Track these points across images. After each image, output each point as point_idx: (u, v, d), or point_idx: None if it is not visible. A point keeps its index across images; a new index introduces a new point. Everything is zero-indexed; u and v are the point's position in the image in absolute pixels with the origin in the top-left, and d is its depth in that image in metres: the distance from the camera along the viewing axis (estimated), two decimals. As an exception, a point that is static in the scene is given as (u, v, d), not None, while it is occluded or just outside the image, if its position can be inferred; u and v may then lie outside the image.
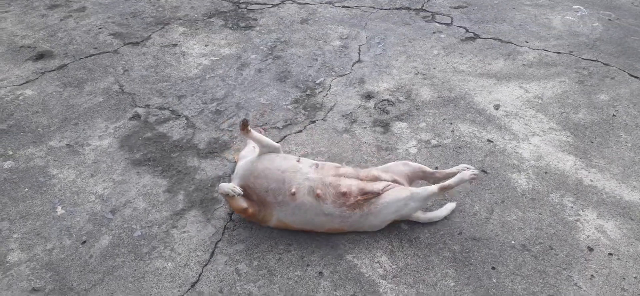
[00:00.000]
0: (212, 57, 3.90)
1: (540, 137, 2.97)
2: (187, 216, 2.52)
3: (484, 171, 2.73)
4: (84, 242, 2.40)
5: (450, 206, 2.47)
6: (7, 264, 2.30)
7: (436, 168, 2.76)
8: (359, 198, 2.23)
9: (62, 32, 4.31)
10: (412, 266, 2.23)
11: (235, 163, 2.72)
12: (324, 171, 2.31)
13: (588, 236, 2.35)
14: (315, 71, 3.69)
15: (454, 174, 2.37)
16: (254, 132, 2.34)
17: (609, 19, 4.32)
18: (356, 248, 2.31)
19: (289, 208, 2.26)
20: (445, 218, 2.45)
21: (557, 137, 2.97)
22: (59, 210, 2.58)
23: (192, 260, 2.30)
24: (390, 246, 2.32)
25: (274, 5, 4.70)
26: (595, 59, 3.73)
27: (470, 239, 2.35)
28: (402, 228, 2.39)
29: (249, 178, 2.30)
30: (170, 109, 3.32)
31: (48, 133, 3.12)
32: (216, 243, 2.37)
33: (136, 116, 3.25)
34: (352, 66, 3.75)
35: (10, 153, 2.97)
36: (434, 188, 2.25)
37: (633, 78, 3.49)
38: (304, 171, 2.29)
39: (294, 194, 2.22)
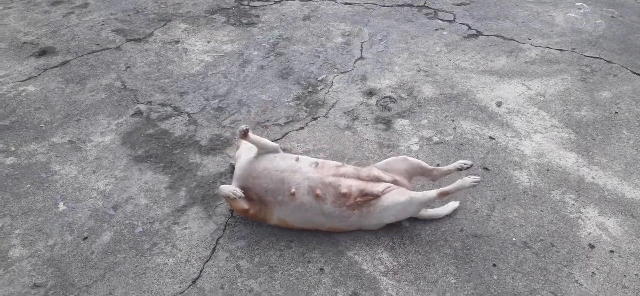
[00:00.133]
0: (215, 54, 3.90)
1: (542, 135, 2.96)
2: (188, 212, 2.52)
3: (486, 169, 2.72)
4: (86, 238, 2.41)
5: (452, 205, 2.46)
6: (9, 260, 2.31)
7: (438, 165, 2.75)
8: (358, 199, 2.23)
9: (65, 28, 4.31)
10: (413, 263, 2.23)
11: (232, 165, 2.73)
12: (324, 170, 2.29)
13: (589, 234, 2.34)
14: (317, 68, 3.69)
15: (451, 171, 2.38)
16: (253, 136, 2.31)
17: (612, 16, 4.30)
18: (357, 245, 2.31)
19: (289, 208, 2.26)
20: (447, 215, 2.45)
21: (559, 134, 2.96)
22: (61, 206, 2.59)
23: (193, 256, 2.30)
24: (391, 243, 2.32)
25: (276, 2, 4.70)
26: (598, 56, 3.72)
27: (471, 236, 2.35)
28: (403, 225, 2.39)
29: (247, 179, 2.30)
30: (173, 105, 3.32)
31: (50, 129, 3.12)
32: (217, 240, 2.37)
33: (138, 113, 3.26)
34: (354, 62, 3.74)
35: (13, 148, 2.98)
36: (433, 193, 2.23)
37: (636, 75, 3.48)
38: (303, 170, 2.27)
39: (293, 194, 2.22)
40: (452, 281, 2.16)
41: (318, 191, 2.21)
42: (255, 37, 4.12)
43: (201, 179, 2.71)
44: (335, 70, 3.66)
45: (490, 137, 2.95)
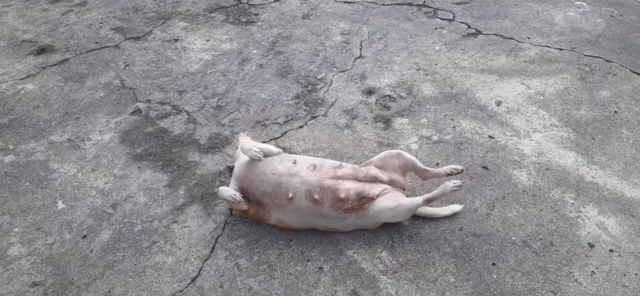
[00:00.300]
0: (214, 53, 3.89)
1: (541, 134, 2.96)
2: (187, 211, 2.52)
3: (485, 168, 2.72)
4: (85, 236, 2.40)
5: (453, 208, 2.45)
6: (8, 258, 2.31)
7: (437, 164, 2.75)
8: (355, 203, 2.23)
9: (64, 26, 4.30)
10: (412, 262, 2.23)
11: (230, 168, 2.72)
12: (322, 172, 2.26)
13: (589, 233, 2.34)
14: (316, 67, 3.68)
15: (441, 175, 2.38)
16: (254, 150, 2.29)
17: (612, 16, 4.30)
18: (356, 244, 2.31)
19: (287, 210, 2.26)
20: (447, 216, 2.45)
21: (559, 133, 2.96)
22: (60, 204, 2.58)
23: (192, 255, 2.30)
24: (390, 242, 2.32)
25: (275, 1, 4.70)
26: (597, 55, 3.72)
27: (470, 235, 2.35)
28: (402, 224, 2.39)
29: (244, 181, 2.29)
30: (172, 104, 3.31)
31: (49, 128, 3.12)
32: (217, 238, 2.37)
33: (137, 111, 3.25)
34: (354, 61, 3.74)
35: (11, 147, 2.97)
36: (419, 200, 2.23)
37: (635, 75, 3.48)
38: (301, 174, 2.24)
39: (291, 198, 2.21)
40: (452, 280, 2.15)
41: (316, 196, 2.20)
42: (255, 36, 4.11)
43: (200, 178, 2.71)
44: (334, 69, 3.65)
45: (490, 137, 2.95)
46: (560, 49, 3.82)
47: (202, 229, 2.42)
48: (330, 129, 3.05)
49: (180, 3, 4.69)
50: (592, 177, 2.65)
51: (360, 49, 3.90)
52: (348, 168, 2.32)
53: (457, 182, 2.20)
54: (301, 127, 3.08)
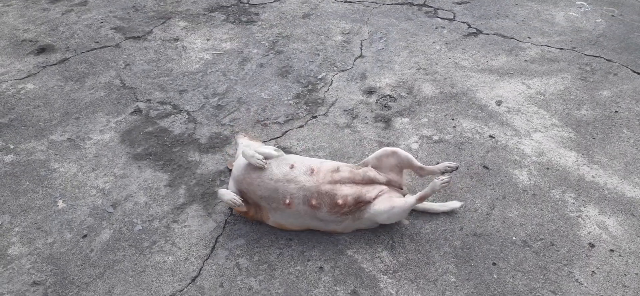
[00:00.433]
0: (214, 52, 3.89)
1: (542, 134, 2.96)
2: (188, 210, 2.52)
3: (486, 167, 2.72)
4: (85, 236, 2.40)
5: (452, 204, 2.45)
6: (8, 257, 2.31)
7: (437, 163, 2.75)
8: (353, 207, 2.23)
9: (64, 26, 4.30)
10: (412, 262, 2.23)
11: (229, 169, 2.72)
12: (319, 177, 2.23)
13: (589, 233, 2.34)
14: (317, 66, 3.68)
15: (436, 173, 2.36)
16: (257, 156, 2.28)
17: (613, 15, 4.30)
18: (357, 243, 2.31)
19: (284, 214, 2.26)
20: (445, 212, 2.44)
21: (559, 133, 2.96)
22: (60, 204, 2.58)
23: (192, 254, 2.30)
24: (391, 242, 2.32)
25: (275, 0, 4.69)
26: (598, 55, 3.72)
27: (471, 235, 2.35)
28: (402, 224, 2.39)
29: (242, 184, 2.28)
30: (172, 103, 3.31)
31: (49, 127, 3.12)
32: (217, 238, 2.37)
33: (137, 111, 3.25)
34: (354, 61, 3.74)
35: (12, 146, 2.97)
36: (411, 200, 2.23)
37: (636, 74, 3.48)
38: (298, 179, 2.21)
39: (288, 204, 2.21)
40: (452, 279, 2.15)
41: (313, 202, 2.19)
42: (255, 36, 4.11)
43: (200, 177, 2.71)
44: (335, 68, 3.65)
45: (490, 136, 2.94)
46: (561, 49, 3.81)
47: (203, 228, 2.42)
48: (331, 129, 3.05)
49: (180, 3, 4.69)
50: (593, 177, 2.65)
51: (361, 48, 3.89)
52: (345, 171, 2.28)
53: (445, 178, 2.21)
54: (301, 126, 3.07)
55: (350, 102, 3.28)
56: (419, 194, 2.25)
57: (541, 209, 2.46)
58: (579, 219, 2.41)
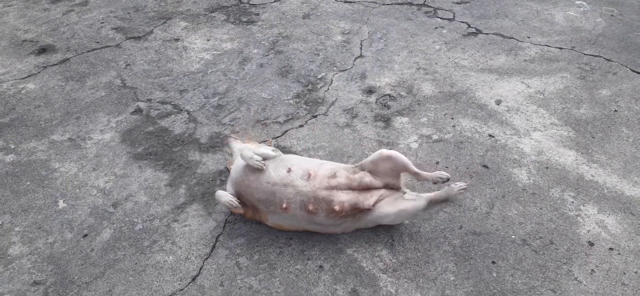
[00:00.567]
0: (214, 52, 3.90)
1: (541, 133, 2.96)
2: (188, 210, 2.53)
3: (485, 166, 2.73)
4: (86, 235, 2.41)
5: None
6: (9, 257, 2.31)
7: (437, 163, 2.76)
8: (349, 213, 2.22)
9: (65, 26, 4.31)
10: (412, 260, 2.24)
11: (228, 169, 2.72)
12: (315, 182, 2.20)
13: (589, 231, 2.35)
14: (317, 66, 3.69)
15: (428, 180, 2.30)
16: (255, 158, 2.26)
17: (612, 15, 4.30)
18: (356, 242, 2.32)
19: (282, 217, 2.26)
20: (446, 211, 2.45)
21: (559, 132, 2.96)
22: (61, 204, 2.59)
23: (193, 254, 2.30)
24: (390, 240, 2.32)
25: (276, 0, 4.70)
26: (597, 54, 3.72)
27: (470, 233, 2.35)
28: (402, 223, 2.40)
29: (240, 186, 2.28)
30: (172, 103, 3.32)
31: (50, 127, 3.13)
32: (217, 237, 2.38)
33: (138, 110, 3.26)
34: (354, 61, 3.74)
35: (13, 146, 2.98)
36: (423, 203, 2.21)
37: (635, 74, 3.48)
38: (294, 184, 2.20)
39: (285, 208, 2.21)
40: (452, 278, 2.16)
41: (310, 207, 2.19)
42: (255, 35, 4.12)
43: (201, 177, 2.72)
44: (334, 68, 3.66)
45: (490, 135, 2.95)
46: (561, 48, 3.82)
47: (203, 228, 2.43)
48: (331, 128, 3.05)
49: (181, 3, 4.70)
50: (592, 176, 2.66)
51: (361, 48, 3.90)
52: (342, 177, 2.24)
53: (463, 185, 2.19)
54: (301, 126, 3.08)
55: (350, 101, 3.29)
56: (431, 196, 2.22)
57: (540, 208, 2.47)
58: (578, 218, 2.42)
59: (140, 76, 3.62)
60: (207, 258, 2.28)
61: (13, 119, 3.21)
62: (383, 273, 2.19)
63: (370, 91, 3.38)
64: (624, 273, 2.16)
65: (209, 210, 2.51)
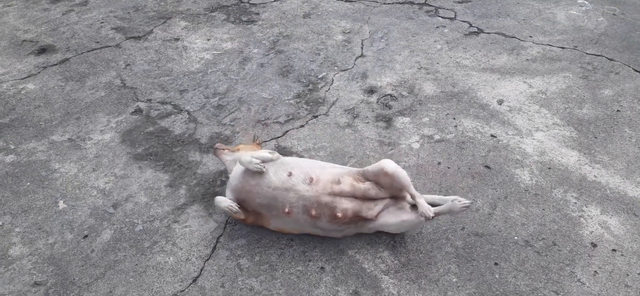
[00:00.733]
0: (214, 52, 3.89)
1: (543, 133, 2.95)
2: (188, 210, 2.52)
3: (487, 167, 2.71)
4: (86, 236, 2.40)
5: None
6: (9, 258, 2.30)
7: (439, 163, 2.75)
8: (351, 220, 2.20)
9: (64, 26, 4.30)
10: (414, 262, 2.23)
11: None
12: (318, 186, 2.17)
13: (591, 232, 2.33)
14: (317, 66, 3.68)
15: (421, 212, 2.14)
16: (255, 162, 2.22)
17: (614, 14, 4.29)
18: (358, 244, 2.30)
19: (285, 221, 2.25)
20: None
21: (561, 132, 2.95)
22: (61, 204, 2.58)
23: (193, 255, 2.29)
24: (392, 242, 2.31)
25: (276, 0, 4.69)
26: (599, 54, 3.71)
27: (472, 235, 2.34)
28: (404, 224, 2.38)
29: (241, 192, 2.25)
30: (172, 103, 3.31)
31: (50, 127, 3.11)
32: (218, 238, 2.37)
33: (138, 111, 3.25)
34: (355, 60, 3.73)
35: (12, 147, 2.97)
36: (427, 216, 2.12)
37: (638, 73, 3.47)
38: (296, 188, 2.17)
39: (288, 213, 2.19)
40: (454, 280, 2.15)
41: (313, 212, 2.16)
42: (256, 35, 4.11)
43: (201, 177, 2.70)
44: (335, 68, 3.65)
45: (492, 136, 2.94)
46: (563, 48, 3.80)
47: (203, 229, 2.41)
48: (332, 129, 3.04)
49: (180, 2, 4.69)
50: (595, 176, 2.64)
51: (362, 48, 3.89)
52: (346, 184, 2.20)
53: (466, 202, 2.15)
54: (302, 126, 3.07)
55: (351, 101, 3.27)
56: (434, 210, 2.15)
57: (543, 209, 2.46)
58: (581, 219, 2.40)
59: (140, 76, 3.61)
60: (207, 259, 2.27)
61: (13, 119, 3.19)
62: (385, 275, 2.17)
63: (371, 91, 3.37)
64: (627, 274, 2.14)
65: (209, 211, 2.50)
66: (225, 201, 2.21)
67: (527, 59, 3.67)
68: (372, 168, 2.24)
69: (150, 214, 2.50)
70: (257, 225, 2.35)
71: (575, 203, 2.49)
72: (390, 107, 3.21)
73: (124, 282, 2.18)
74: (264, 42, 4.01)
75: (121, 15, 4.46)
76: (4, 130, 3.10)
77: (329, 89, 3.41)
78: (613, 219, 2.40)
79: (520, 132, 2.96)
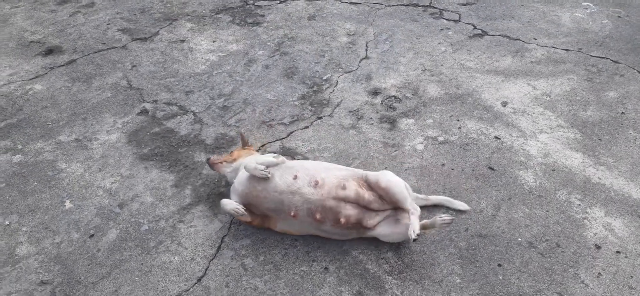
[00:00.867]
0: (220, 53, 3.91)
1: (548, 135, 2.95)
2: (194, 210, 2.53)
3: (491, 168, 2.72)
4: (92, 236, 2.42)
5: (461, 205, 2.46)
6: (16, 257, 2.33)
7: (443, 164, 2.75)
8: (352, 226, 2.22)
9: (71, 27, 4.33)
10: (418, 263, 2.23)
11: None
12: (324, 190, 2.19)
13: (595, 234, 2.33)
14: (322, 67, 3.69)
15: (413, 224, 2.11)
16: (259, 168, 2.24)
17: (619, 16, 4.28)
18: (362, 244, 2.31)
19: (291, 223, 2.27)
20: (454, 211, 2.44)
21: (565, 134, 2.95)
22: (68, 204, 2.60)
23: (198, 255, 2.31)
24: (396, 243, 2.32)
25: (281, 2, 4.71)
26: (604, 56, 3.70)
27: (476, 236, 2.35)
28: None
29: (247, 197, 2.27)
30: (178, 104, 3.33)
31: (57, 128, 3.14)
32: (223, 238, 2.38)
33: (144, 111, 3.27)
34: (359, 62, 3.74)
35: (20, 147, 3.00)
36: (416, 228, 2.09)
37: (643, 76, 3.46)
38: (302, 191, 2.19)
39: (294, 216, 2.21)
40: (457, 281, 2.15)
41: (318, 216, 2.19)
42: (261, 37, 4.13)
43: (206, 178, 2.72)
44: (340, 69, 3.66)
45: (496, 137, 2.94)
46: (567, 50, 3.80)
47: (208, 229, 2.43)
48: (336, 130, 3.05)
49: (186, 4, 4.72)
50: (599, 178, 2.64)
51: (366, 49, 3.90)
52: (351, 190, 2.20)
53: (447, 219, 2.15)
54: (307, 127, 3.08)
55: (356, 103, 3.29)
56: (422, 222, 2.18)
57: (547, 211, 2.46)
58: (585, 220, 2.40)
59: (146, 77, 3.63)
60: (212, 259, 2.28)
61: (20, 119, 3.22)
62: (388, 276, 2.18)
63: (375, 93, 3.38)
64: (631, 276, 2.14)
65: (214, 211, 2.52)
66: (231, 204, 2.24)
67: (532, 61, 3.67)
68: (372, 176, 2.26)
69: (155, 214, 2.52)
70: (264, 228, 2.36)
71: (579, 204, 2.49)
72: (394, 109, 3.22)
73: (130, 281, 2.20)
74: (269, 43, 4.02)
75: (127, 17, 4.49)
76: (12, 130, 3.13)
77: (334, 90, 3.42)
78: (617, 221, 2.40)
79: (524, 134, 2.96)
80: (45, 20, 4.46)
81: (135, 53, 3.93)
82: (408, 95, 3.34)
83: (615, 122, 3.03)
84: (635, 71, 3.52)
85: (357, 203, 2.21)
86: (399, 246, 2.30)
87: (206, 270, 2.24)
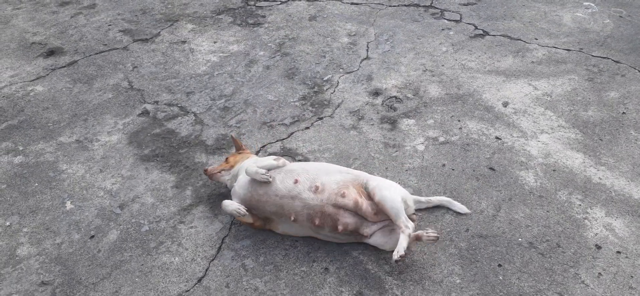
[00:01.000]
0: (221, 54, 3.91)
1: (548, 135, 2.95)
2: (194, 211, 2.54)
3: (492, 169, 2.72)
4: (93, 237, 2.43)
5: (461, 207, 2.47)
6: (17, 258, 2.33)
7: (443, 165, 2.75)
8: (350, 233, 2.23)
9: (73, 29, 4.34)
10: (418, 263, 2.23)
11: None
12: (323, 196, 2.19)
13: (596, 234, 2.33)
14: (323, 68, 3.69)
15: (404, 234, 2.11)
16: (261, 172, 2.24)
17: (620, 16, 4.27)
18: (362, 244, 2.31)
19: (291, 226, 2.29)
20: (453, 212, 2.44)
21: (566, 134, 2.95)
22: (68, 205, 2.61)
23: (199, 255, 2.31)
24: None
25: (282, 2, 4.71)
26: (605, 56, 3.70)
27: (477, 236, 2.34)
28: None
29: (249, 201, 2.28)
30: (179, 105, 3.34)
31: (58, 129, 3.15)
32: (223, 239, 2.38)
33: (145, 112, 3.28)
34: (360, 62, 3.74)
35: (21, 148, 3.01)
36: (405, 239, 2.09)
37: (644, 75, 3.46)
38: (302, 196, 2.20)
39: (294, 220, 2.23)
40: (458, 281, 2.15)
41: (317, 221, 2.20)
42: (262, 38, 4.13)
43: (207, 179, 2.72)
44: (341, 70, 3.66)
45: (497, 138, 2.94)
46: (568, 50, 3.80)
47: (209, 229, 2.43)
48: (337, 130, 3.05)
49: (187, 5, 4.72)
50: (600, 178, 2.64)
51: (367, 50, 3.90)
52: (350, 198, 2.19)
53: (432, 235, 2.15)
54: (307, 128, 3.08)
55: (356, 103, 3.29)
56: (412, 233, 2.15)
57: (547, 211, 2.46)
58: (586, 221, 2.40)
59: (147, 78, 3.64)
60: (213, 260, 2.29)
61: (21, 121, 3.23)
62: (389, 276, 2.18)
63: (376, 93, 3.38)
64: (632, 276, 2.14)
65: (215, 212, 2.52)
66: (232, 204, 2.25)
67: (533, 62, 3.67)
68: (371, 186, 2.24)
69: (156, 215, 2.52)
70: (266, 229, 2.37)
71: (580, 205, 2.49)
72: (395, 109, 3.21)
73: (130, 282, 2.20)
74: (270, 44, 4.03)
75: (128, 18, 4.50)
76: (13, 131, 3.14)
77: (334, 91, 3.42)
78: (618, 221, 2.39)
79: (525, 134, 2.96)
80: (46, 22, 4.47)
81: (137, 54, 3.94)
82: (409, 95, 3.34)
83: (616, 123, 3.03)
84: (637, 71, 3.51)
85: (356, 211, 2.21)
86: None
87: (206, 270, 2.24)
